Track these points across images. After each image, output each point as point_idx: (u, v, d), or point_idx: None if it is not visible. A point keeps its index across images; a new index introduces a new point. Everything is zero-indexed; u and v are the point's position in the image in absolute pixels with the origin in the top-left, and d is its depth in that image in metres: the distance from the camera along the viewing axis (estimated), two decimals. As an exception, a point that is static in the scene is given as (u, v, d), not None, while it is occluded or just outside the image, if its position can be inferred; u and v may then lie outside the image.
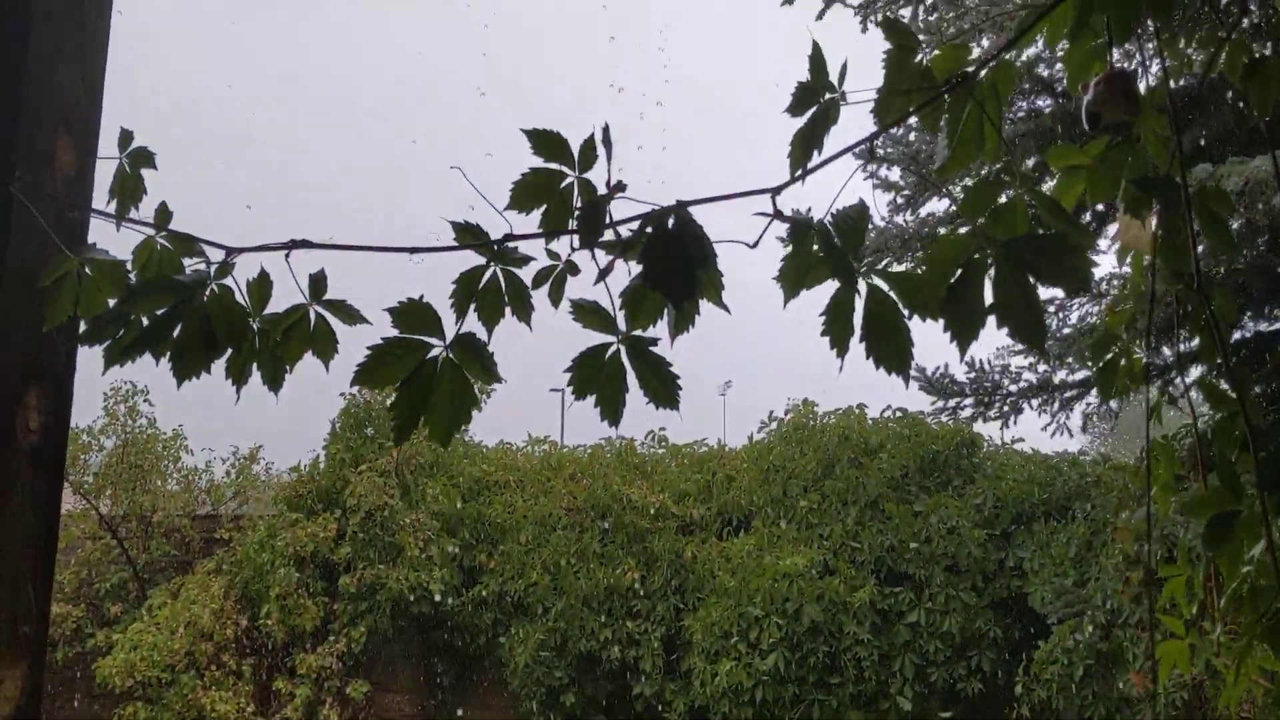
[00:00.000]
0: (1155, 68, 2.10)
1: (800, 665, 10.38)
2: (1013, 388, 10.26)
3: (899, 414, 12.14)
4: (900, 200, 10.01)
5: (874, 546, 10.88)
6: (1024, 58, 8.34)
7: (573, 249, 1.98)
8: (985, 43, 8.08)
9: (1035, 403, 10.21)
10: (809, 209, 2.14)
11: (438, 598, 11.26)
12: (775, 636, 10.30)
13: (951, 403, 10.56)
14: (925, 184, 9.42)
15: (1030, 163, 8.55)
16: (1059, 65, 8.83)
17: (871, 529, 11.02)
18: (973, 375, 10.20)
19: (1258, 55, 1.72)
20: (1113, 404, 10.16)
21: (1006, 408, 10.41)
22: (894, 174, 9.96)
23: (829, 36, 2.10)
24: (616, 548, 11.73)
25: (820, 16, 9.72)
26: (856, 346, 2.14)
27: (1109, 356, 1.99)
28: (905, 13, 9.35)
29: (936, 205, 10.09)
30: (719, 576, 11.14)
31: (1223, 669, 1.98)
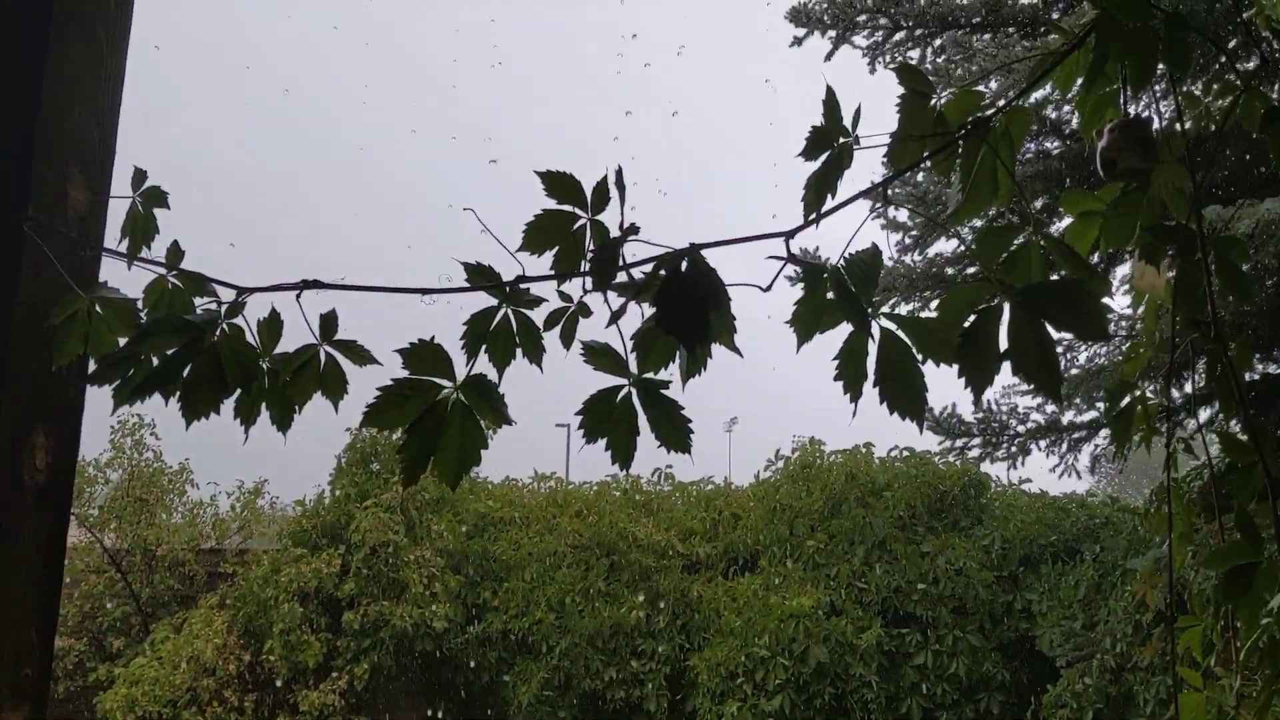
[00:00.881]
0: (1168, 112, 2.10)
1: (807, 707, 10.28)
2: (1020, 428, 10.24)
3: (906, 453, 12.09)
4: (908, 241, 10.04)
5: (881, 587, 10.80)
6: (1032, 99, 8.38)
7: (585, 291, 1.97)
8: (994, 84, 8.11)
9: (1043, 444, 10.19)
10: (816, 249, 2.14)
11: (442, 628, 11.18)
12: (781, 677, 10.20)
13: (959, 443, 10.55)
14: (933, 225, 9.44)
15: (1038, 204, 8.57)
16: (1067, 108, 8.88)
17: (878, 569, 10.94)
18: (980, 416, 10.19)
19: (1276, 102, 1.72)
20: (1111, 452, 10.12)
21: (1014, 448, 10.39)
22: (902, 215, 10.00)
23: (837, 76, 2.10)
24: (622, 586, 11.66)
25: (829, 58, 9.80)
26: (869, 391, 2.13)
27: (1124, 404, 1.98)
28: (914, 55, 9.42)
29: (944, 245, 10.12)
30: (725, 616, 11.06)
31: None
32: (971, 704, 10.37)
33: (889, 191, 2.14)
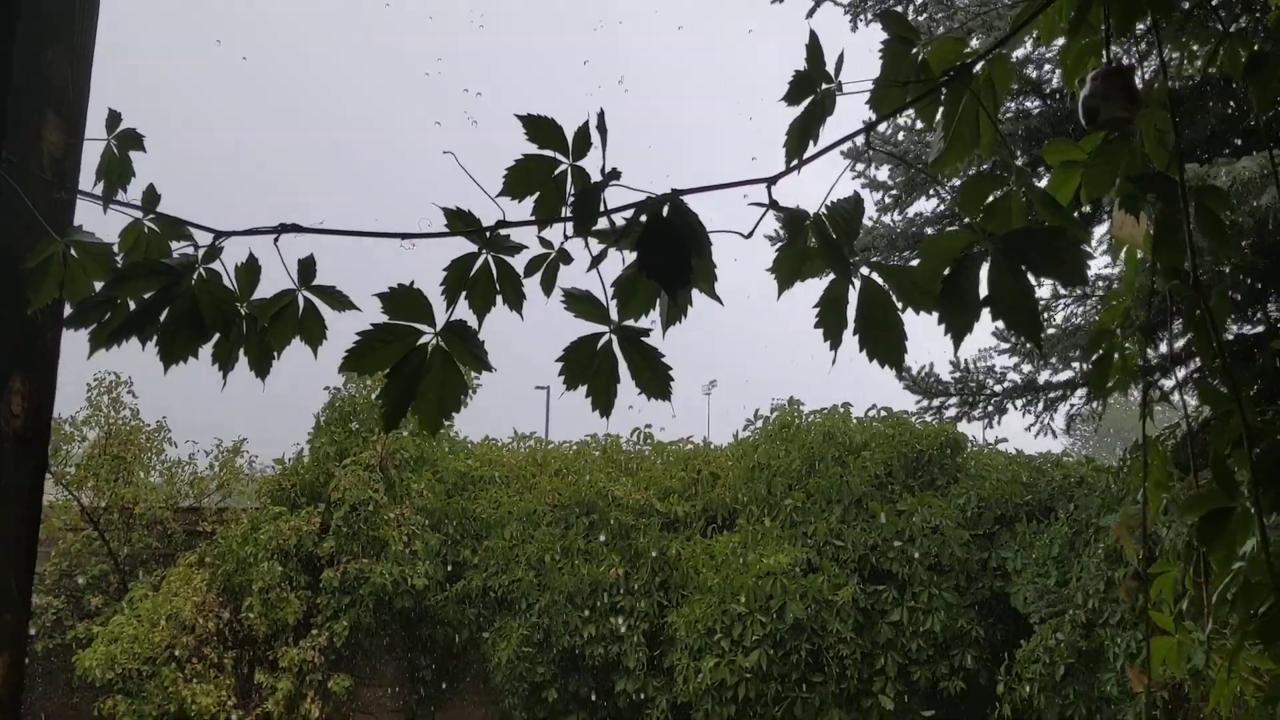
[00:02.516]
0: (1152, 63, 2.10)
1: (783, 663, 10.39)
2: (997, 388, 10.31)
3: (884, 413, 12.16)
4: (888, 200, 10.03)
5: (857, 545, 10.89)
6: (1014, 58, 8.36)
7: (565, 237, 1.96)
8: (975, 43, 8.09)
9: (1019, 403, 10.26)
10: (797, 206, 2.13)
11: (422, 586, 11.23)
12: (758, 634, 10.30)
13: (936, 402, 10.61)
14: (913, 184, 9.44)
15: (1019, 162, 8.58)
16: (1047, 67, 8.86)
17: (855, 528, 11.03)
18: (957, 375, 10.24)
19: (1259, 51, 1.72)
20: (1096, 405, 10.21)
21: (991, 408, 10.46)
22: (882, 174, 9.99)
23: (819, 34, 2.09)
24: (601, 544, 11.71)
25: (810, 14, 9.73)
26: (849, 341, 2.14)
27: (1101, 353, 1.99)
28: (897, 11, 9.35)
29: (924, 205, 10.13)
30: (703, 574, 11.14)
31: (1214, 667, 1.98)
32: (946, 660, 10.51)
33: (870, 148, 2.13)
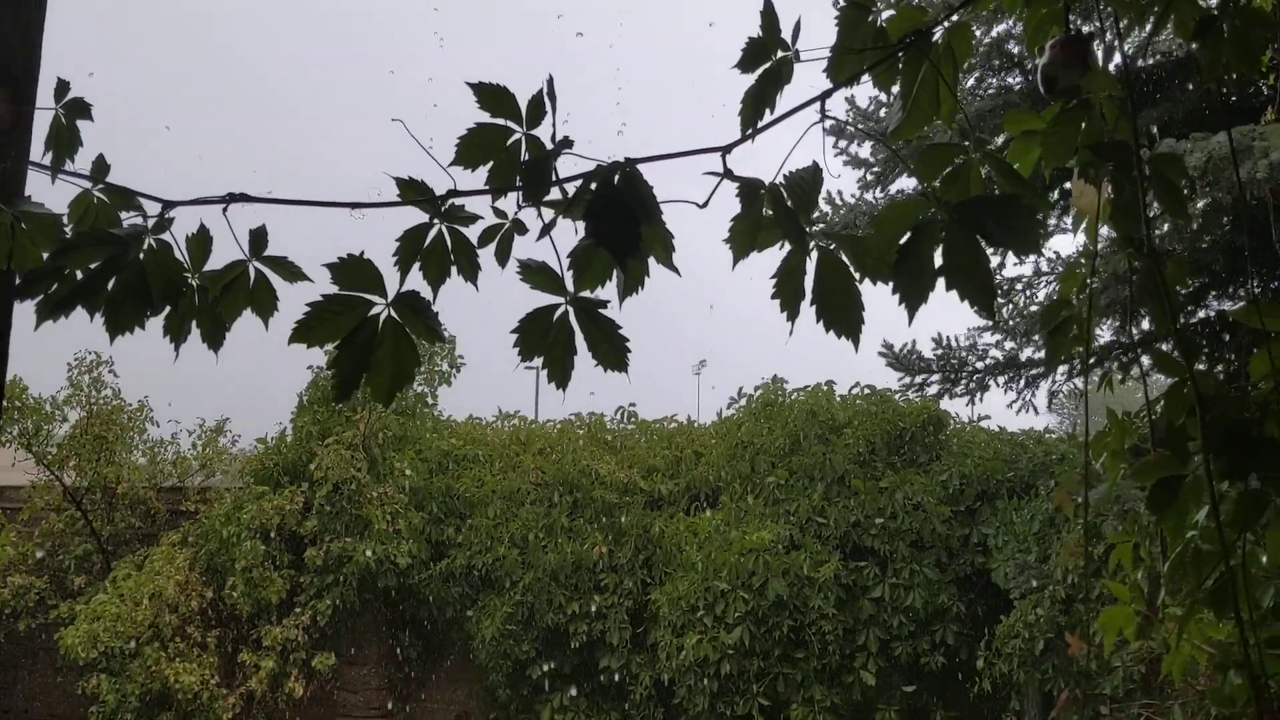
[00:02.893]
0: (1111, 34, 2.08)
1: (765, 639, 10.43)
2: (979, 365, 10.32)
3: (867, 391, 12.17)
4: (870, 177, 10.01)
5: (840, 522, 10.92)
6: (994, 34, 8.34)
7: (519, 206, 1.95)
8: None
9: (1001, 380, 10.28)
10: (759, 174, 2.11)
11: (405, 564, 11.23)
12: (741, 610, 10.34)
13: (918, 379, 10.63)
14: (896, 161, 9.41)
15: (999, 141, 8.56)
16: (1029, 42, 8.82)
17: (837, 505, 11.06)
18: (940, 352, 10.25)
19: (1207, 15, 1.70)
20: (1078, 382, 10.24)
21: (973, 385, 10.48)
22: (864, 151, 9.96)
23: (782, 5, 2.07)
24: (584, 522, 11.73)
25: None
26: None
27: (1060, 320, 1.98)
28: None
29: (907, 182, 10.10)
30: (686, 551, 11.16)
31: (1167, 635, 1.99)
32: (927, 635, 10.56)
33: (825, 117, 2.10)
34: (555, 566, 11.29)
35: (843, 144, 9.81)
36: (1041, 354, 10.06)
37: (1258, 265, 8.61)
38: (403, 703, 12.12)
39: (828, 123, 2.12)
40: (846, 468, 11.23)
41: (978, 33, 8.62)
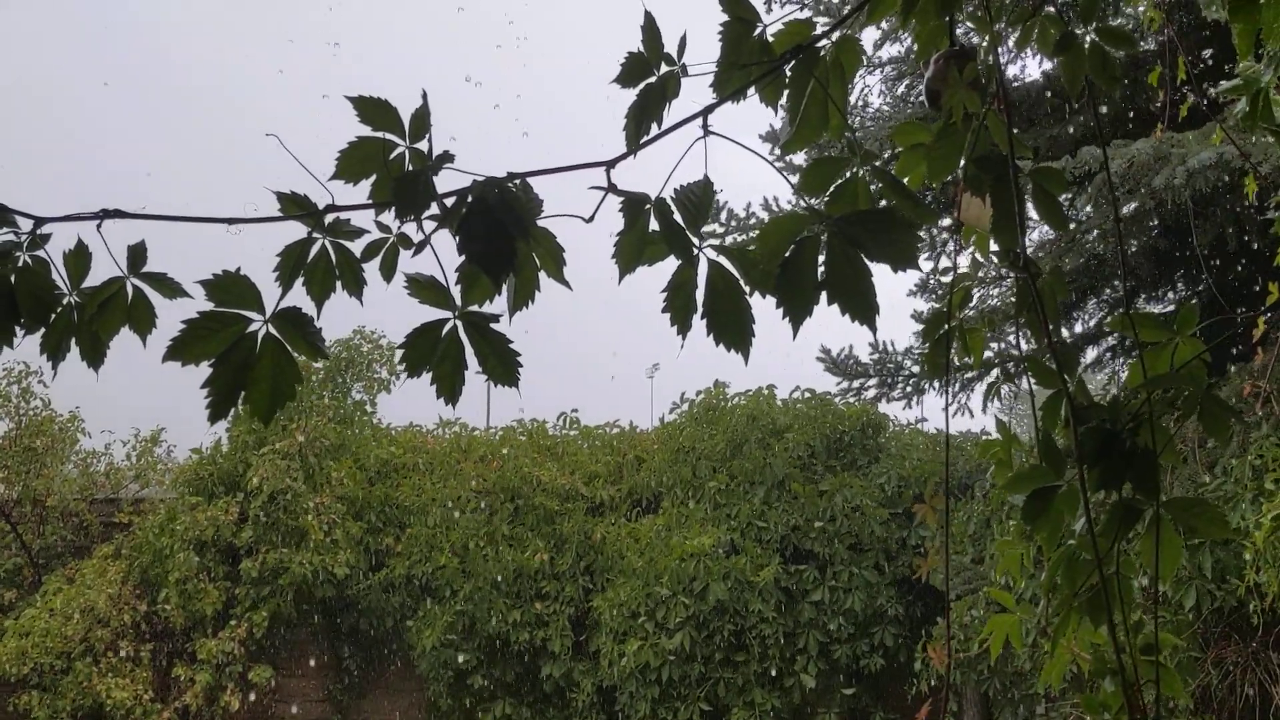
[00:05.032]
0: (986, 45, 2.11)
1: (706, 644, 10.46)
2: (915, 369, 10.43)
3: (807, 395, 12.24)
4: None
5: (780, 526, 10.98)
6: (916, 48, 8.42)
7: (401, 221, 1.93)
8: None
9: (936, 384, 10.39)
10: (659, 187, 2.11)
11: (343, 575, 11.12)
12: (682, 616, 10.36)
13: (856, 383, 10.72)
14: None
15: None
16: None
17: (778, 509, 11.11)
18: (876, 357, 10.35)
19: (1068, 30, 1.73)
20: (1006, 388, 10.38)
21: (909, 388, 10.59)
22: (799, 159, 10.02)
23: (673, 11, 2.08)
24: (526, 529, 11.68)
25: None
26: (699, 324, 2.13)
27: (940, 334, 2.00)
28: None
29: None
30: (627, 557, 11.16)
31: (1044, 643, 2.01)
32: (866, 638, 10.65)
33: (708, 133, 2.10)
34: (496, 575, 11.23)
35: (776, 151, 9.86)
36: (968, 368, 10.22)
37: (1183, 269, 8.80)
38: (343, 714, 12.00)
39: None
40: (787, 471, 11.29)
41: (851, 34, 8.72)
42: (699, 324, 2.08)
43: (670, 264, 2.11)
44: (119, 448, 13.31)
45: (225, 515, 11.20)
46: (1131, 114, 8.48)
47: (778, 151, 10.18)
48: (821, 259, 1.94)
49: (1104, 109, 7.34)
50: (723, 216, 10.34)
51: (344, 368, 12.66)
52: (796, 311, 1.92)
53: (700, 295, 2.05)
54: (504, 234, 1.68)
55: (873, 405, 11.58)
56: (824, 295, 1.95)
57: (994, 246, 2.15)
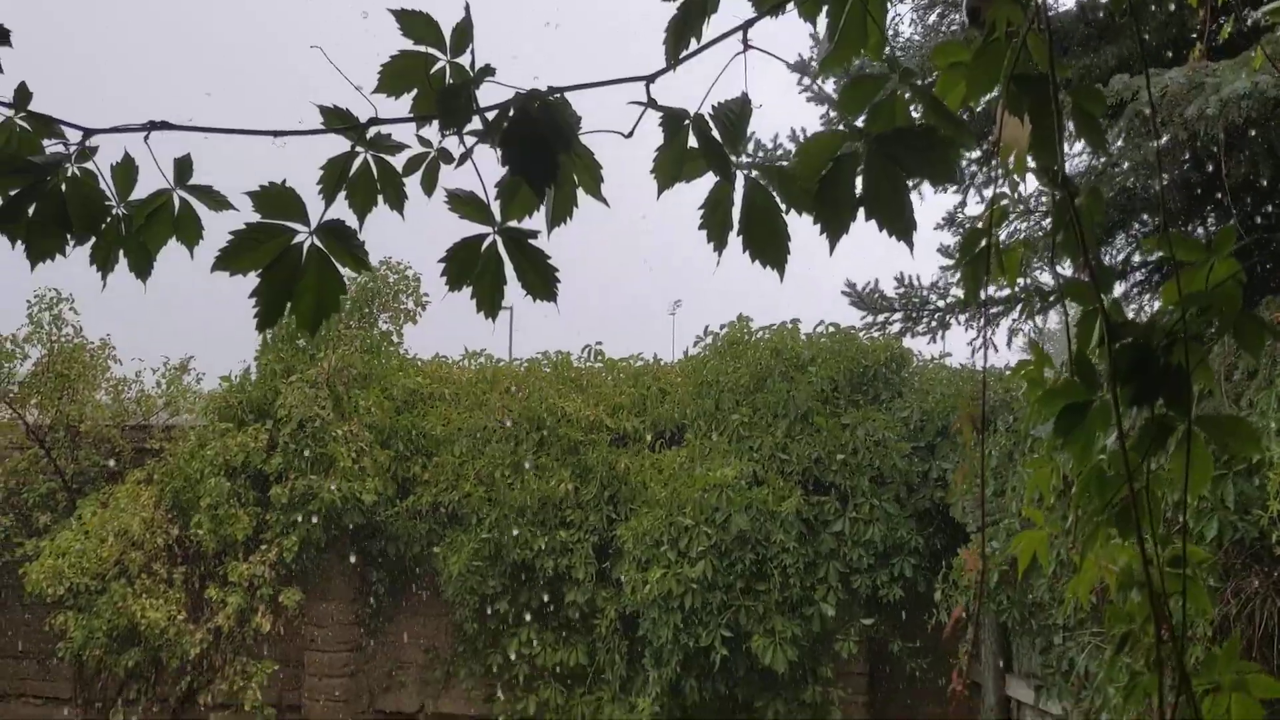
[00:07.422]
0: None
1: (728, 572, 10.58)
2: (940, 303, 10.39)
3: (831, 329, 12.24)
4: (834, 113, 9.98)
5: (802, 458, 11.04)
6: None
7: (443, 135, 1.95)
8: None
9: (962, 318, 10.36)
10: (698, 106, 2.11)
11: (371, 502, 11.29)
12: (704, 545, 10.47)
13: (881, 318, 10.70)
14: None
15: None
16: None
17: (800, 441, 11.17)
18: (901, 291, 10.31)
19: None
20: (1038, 320, 10.34)
21: (935, 323, 10.56)
22: (830, 86, 9.92)
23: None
24: (551, 460, 11.80)
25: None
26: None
27: (977, 251, 2.01)
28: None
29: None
30: (651, 487, 11.26)
31: (1074, 558, 2.04)
32: (886, 568, 10.75)
33: (748, 48, 2.10)
34: (521, 504, 11.37)
35: (805, 80, 9.77)
36: (1001, 292, 10.15)
37: (1213, 204, 8.70)
38: (370, 637, 12.26)
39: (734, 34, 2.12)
40: (810, 405, 11.32)
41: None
42: (735, 241, 2.10)
43: (700, 189, 2.13)
44: (149, 375, 13.49)
45: (255, 442, 11.36)
46: (1169, 47, 8.32)
47: (806, 81, 10.08)
48: (859, 178, 1.95)
49: (1146, 35, 7.21)
50: (750, 146, 10.25)
51: (371, 298, 12.72)
52: (834, 228, 1.94)
53: (737, 213, 2.07)
54: (546, 145, 1.69)
55: (897, 339, 11.56)
56: (861, 213, 1.96)
57: (1031, 164, 2.14)
